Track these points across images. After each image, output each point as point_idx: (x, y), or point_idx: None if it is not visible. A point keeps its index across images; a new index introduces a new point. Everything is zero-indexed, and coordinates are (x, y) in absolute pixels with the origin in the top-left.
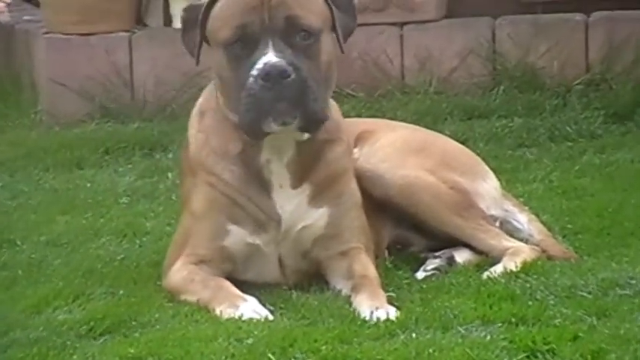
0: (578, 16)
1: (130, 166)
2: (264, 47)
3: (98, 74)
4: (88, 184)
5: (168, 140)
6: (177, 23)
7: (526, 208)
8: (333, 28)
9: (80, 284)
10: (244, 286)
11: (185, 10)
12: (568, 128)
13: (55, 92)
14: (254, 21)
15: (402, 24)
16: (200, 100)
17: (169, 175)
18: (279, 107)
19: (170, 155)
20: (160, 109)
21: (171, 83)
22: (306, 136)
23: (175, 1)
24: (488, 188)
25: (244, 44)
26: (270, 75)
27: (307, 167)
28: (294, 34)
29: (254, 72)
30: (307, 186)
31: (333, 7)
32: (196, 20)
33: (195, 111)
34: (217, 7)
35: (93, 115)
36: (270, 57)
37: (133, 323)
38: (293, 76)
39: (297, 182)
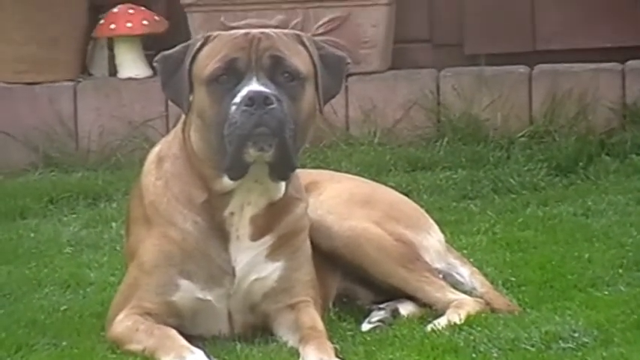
0: (522, 69)
1: (74, 215)
2: (248, 80)
3: (42, 123)
4: (32, 234)
5: (113, 189)
6: (123, 73)
7: (468, 260)
8: (316, 86)
9: (23, 335)
10: (189, 338)
11: (160, 59)
12: (511, 180)
13: None
14: (241, 57)
15: (347, 75)
16: (157, 147)
17: (114, 225)
18: (258, 132)
19: (114, 205)
20: (104, 158)
21: (115, 133)
22: (280, 194)
23: (121, 51)
24: (432, 241)
25: (229, 78)
26: (254, 100)
27: (272, 221)
28: (278, 73)
29: (237, 100)
30: (269, 239)
31: (319, 66)
32: (179, 65)
33: (151, 158)
34: (205, 49)
35: (36, 164)
36: (254, 86)
37: None
38: (275, 104)
39: (258, 235)
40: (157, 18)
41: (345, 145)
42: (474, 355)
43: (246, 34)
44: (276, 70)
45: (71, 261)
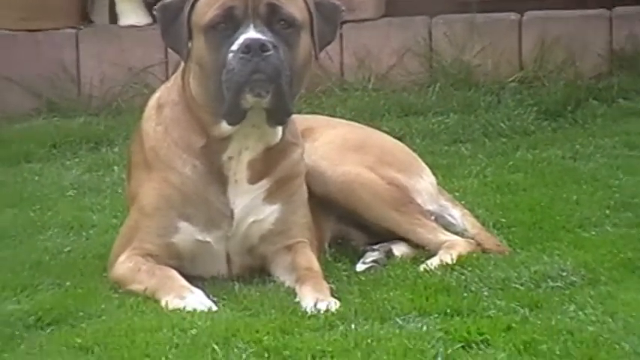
0: (512, 16)
1: (76, 160)
2: (245, 28)
3: (45, 70)
4: (36, 178)
5: (114, 135)
6: (123, 21)
7: (459, 202)
8: (312, 33)
9: (28, 276)
10: (189, 278)
11: (160, 8)
12: (502, 125)
13: (2, 87)
14: (238, 5)
15: (342, 23)
16: (157, 94)
17: (115, 169)
18: (255, 78)
19: (116, 149)
20: (105, 104)
21: (116, 79)
22: (277, 139)
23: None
24: (424, 184)
25: (227, 26)
26: (250, 47)
27: (269, 165)
28: (275, 21)
29: (234, 47)
30: (266, 183)
31: (314, 14)
32: (180, 13)
33: (151, 104)
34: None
35: (40, 109)
36: (251, 34)
37: (80, 314)
38: (271, 51)
39: (255, 179)
40: None
41: (339, 90)
42: (465, 295)
43: None
44: (273, 17)
45: (74, 204)
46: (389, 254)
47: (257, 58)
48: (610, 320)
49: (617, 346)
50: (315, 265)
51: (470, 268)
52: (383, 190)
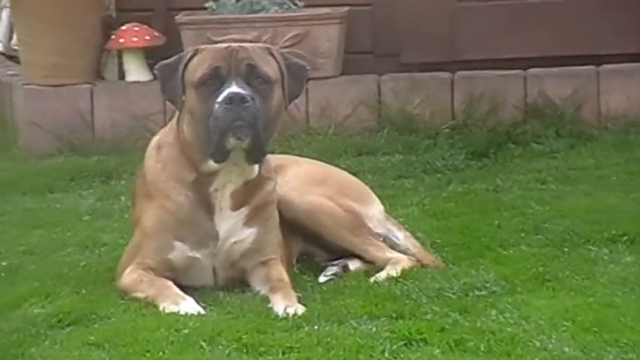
0: (446, 75)
1: (90, 190)
2: (229, 84)
3: (66, 117)
4: (57, 205)
5: (122, 170)
6: (130, 77)
7: (402, 227)
8: (283, 89)
9: (51, 285)
10: (182, 288)
11: (159, 68)
12: (437, 163)
13: (31, 131)
14: (223, 66)
15: (307, 80)
16: (157, 137)
17: (122, 198)
18: (237, 124)
19: (123, 182)
20: (115, 145)
21: (124, 125)
22: (254, 174)
23: (128, 60)
24: (374, 211)
25: (213, 82)
26: (233, 99)
27: (247, 196)
28: (253, 78)
29: (219, 99)
30: (245, 210)
31: (285, 72)
32: (175, 72)
33: (152, 145)
34: (195, 59)
35: (61, 150)
36: (233, 88)
37: (93, 316)
38: (250, 103)
39: (236, 207)
40: (156, 34)
41: (305, 135)
42: (407, 302)
43: (227, 47)
44: (251, 75)
45: (89, 227)
46: (345, 268)
47: (238, 109)
48: (524, 322)
49: (530, 344)
50: (285, 277)
51: (411, 280)
52: (341, 217)
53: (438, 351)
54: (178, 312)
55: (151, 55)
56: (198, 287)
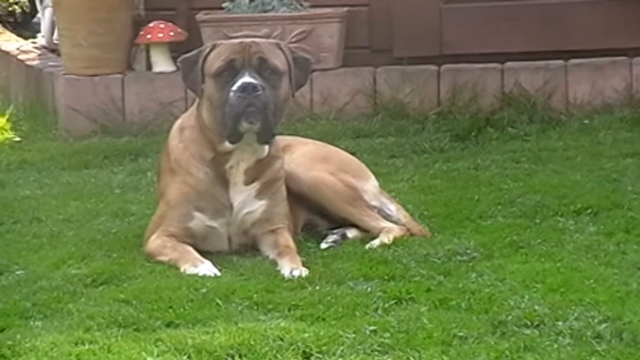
0: (433, 67)
1: (121, 167)
2: (242, 74)
3: (100, 103)
4: (92, 180)
5: (149, 149)
6: (156, 68)
7: (395, 200)
8: (290, 79)
9: (86, 249)
10: (201, 253)
11: (181, 61)
12: (425, 145)
13: (70, 115)
14: (237, 58)
15: (311, 71)
16: (179, 120)
17: (149, 174)
18: (249, 110)
19: (150, 160)
20: (142, 127)
21: (150, 110)
22: (265, 153)
23: (154, 53)
24: (370, 186)
25: (229, 73)
26: (246, 88)
27: (258, 172)
28: (264, 70)
29: (234, 88)
30: (256, 184)
31: (292, 64)
32: (196, 64)
33: (175, 128)
34: (213, 53)
35: (96, 131)
36: (246, 79)
37: (123, 277)
38: (261, 92)
39: (249, 182)
40: (179, 30)
41: (309, 119)
42: (397, 266)
43: (241, 42)
44: (262, 67)
45: (119, 199)
46: (344, 236)
47: (250, 96)
48: (500, 284)
49: (505, 302)
50: (291, 243)
51: (401, 247)
52: (341, 190)
53: (424, 309)
54: (197, 274)
55: (174, 49)
56: (215, 252)
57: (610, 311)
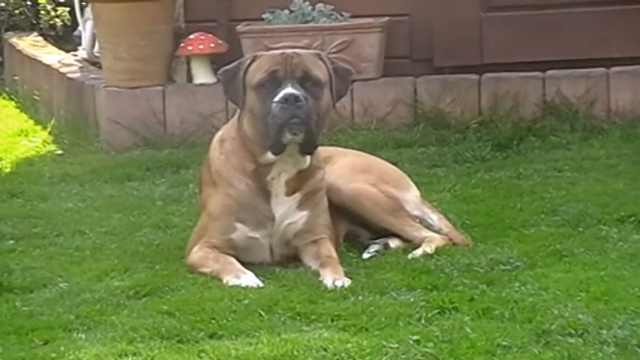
0: (474, 76)
1: (163, 179)
2: (284, 86)
3: (141, 115)
4: (134, 192)
5: (190, 161)
6: (196, 80)
7: (436, 209)
8: (331, 90)
9: (129, 261)
10: (243, 264)
11: (222, 73)
12: (467, 154)
13: (112, 128)
14: (279, 70)
15: (352, 81)
16: (220, 132)
17: (190, 185)
18: (292, 121)
19: (191, 172)
20: (184, 139)
21: (191, 122)
22: (306, 164)
23: (195, 65)
24: (411, 196)
25: (271, 84)
26: (288, 99)
27: (300, 183)
28: (306, 82)
29: (277, 99)
30: (298, 195)
31: (333, 75)
32: (236, 75)
33: (216, 139)
34: (254, 65)
35: (138, 144)
36: (289, 90)
37: (165, 289)
38: (303, 102)
39: (290, 193)
40: (220, 42)
41: (351, 130)
42: (440, 275)
43: (282, 53)
44: (304, 78)
45: (161, 210)
46: (386, 246)
47: (293, 107)
48: (544, 293)
49: (548, 311)
50: (334, 254)
51: (444, 256)
52: (382, 201)
53: (467, 318)
54: (240, 285)
55: (215, 61)
56: (257, 263)
57: None
